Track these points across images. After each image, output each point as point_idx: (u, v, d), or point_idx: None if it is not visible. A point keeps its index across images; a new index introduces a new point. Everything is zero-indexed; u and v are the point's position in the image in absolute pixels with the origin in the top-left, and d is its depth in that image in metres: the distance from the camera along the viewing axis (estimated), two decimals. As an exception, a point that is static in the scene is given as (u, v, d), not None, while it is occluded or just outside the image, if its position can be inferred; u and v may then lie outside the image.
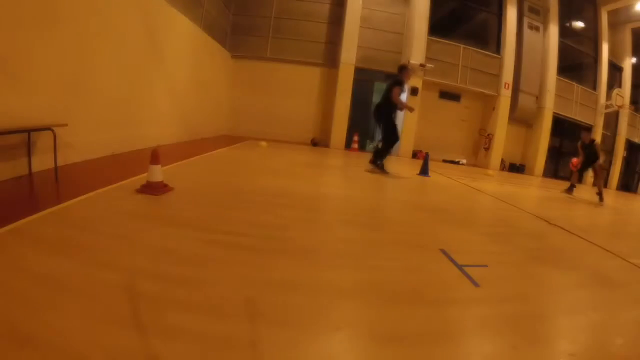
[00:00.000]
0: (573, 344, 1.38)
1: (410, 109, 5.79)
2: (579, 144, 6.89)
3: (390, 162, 6.25)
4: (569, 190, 7.08)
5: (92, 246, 1.69)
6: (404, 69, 5.61)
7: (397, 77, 5.55)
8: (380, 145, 5.81)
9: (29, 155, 2.96)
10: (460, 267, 2.02)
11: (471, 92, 11.01)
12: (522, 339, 1.35)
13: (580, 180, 7.37)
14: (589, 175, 7.43)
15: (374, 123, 6.00)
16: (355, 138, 10.34)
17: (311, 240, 2.21)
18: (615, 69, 13.07)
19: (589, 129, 6.88)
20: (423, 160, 6.76)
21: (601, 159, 6.61)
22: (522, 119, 11.51)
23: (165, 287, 1.40)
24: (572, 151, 12.60)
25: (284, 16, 10.51)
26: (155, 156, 2.75)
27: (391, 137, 5.62)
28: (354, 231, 2.51)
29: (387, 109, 5.53)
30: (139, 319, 1.18)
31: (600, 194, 6.50)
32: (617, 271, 2.40)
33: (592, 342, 1.44)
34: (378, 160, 5.69)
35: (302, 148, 9.09)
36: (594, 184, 6.72)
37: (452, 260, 2.13)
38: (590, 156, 6.66)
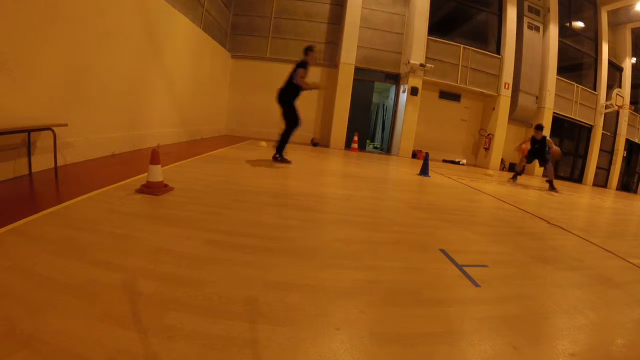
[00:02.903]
0: (573, 344, 1.38)
1: (317, 87, 5.51)
2: (530, 138, 7.34)
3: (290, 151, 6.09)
4: (514, 178, 7.65)
5: (92, 246, 1.69)
6: (309, 50, 5.47)
7: (302, 59, 5.44)
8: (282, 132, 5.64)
9: (29, 155, 2.96)
10: (460, 267, 2.02)
11: (471, 92, 11.01)
12: (522, 339, 1.35)
13: (524, 169, 7.95)
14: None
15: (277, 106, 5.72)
16: (355, 138, 10.35)
17: (311, 240, 2.21)
18: (615, 69, 13.07)
19: (540, 127, 7.25)
20: (423, 160, 6.76)
21: (553, 151, 7.10)
22: (522, 119, 11.51)
23: (165, 287, 1.40)
24: (572, 151, 12.68)
25: (284, 16, 10.51)
26: (155, 156, 2.75)
27: (294, 122, 5.54)
28: (354, 231, 2.51)
29: (290, 92, 5.43)
30: (139, 319, 1.18)
31: (550, 182, 6.94)
32: (617, 271, 2.40)
33: (592, 342, 1.44)
34: (280, 151, 5.59)
35: (302, 148, 9.10)
36: (544, 174, 7.36)
37: (452, 260, 2.13)
38: (539, 151, 7.12)
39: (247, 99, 10.58)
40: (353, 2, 9.85)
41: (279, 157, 5.57)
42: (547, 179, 7.18)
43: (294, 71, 5.29)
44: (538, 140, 7.14)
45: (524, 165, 7.77)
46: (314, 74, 10.60)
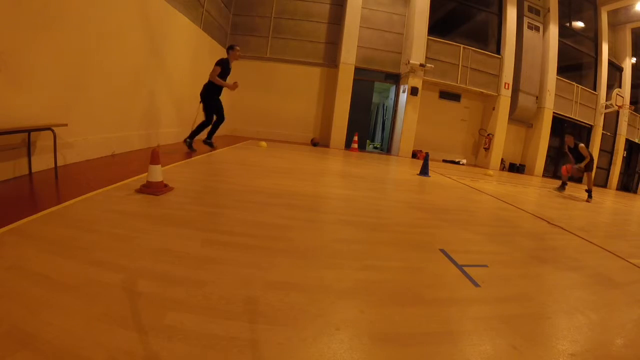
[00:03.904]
0: (573, 344, 1.38)
1: (232, 87, 5.69)
2: (565, 148, 7.02)
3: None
4: (561, 187, 7.26)
5: (92, 246, 1.69)
6: (230, 49, 5.66)
7: (223, 57, 5.59)
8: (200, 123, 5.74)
9: (29, 155, 2.96)
10: (460, 267, 2.02)
11: (471, 92, 11.00)
12: (522, 339, 1.35)
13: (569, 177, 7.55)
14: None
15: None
16: (355, 138, 10.35)
17: (311, 240, 2.21)
18: (615, 69, 13.07)
19: (571, 133, 6.98)
20: (423, 161, 6.76)
21: (583, 163, 6.67)
22: (522, 119, 11.51)
23: (165, 287, 1.40)
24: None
25: (284, 16, 10.50)
26: (155, 156, 2.75)
27: (208, 119, 5.63)
28: (354, 231, 2.51)
29: (208, 88, 5.55)
30: (139, 318, 1.18)
31: (589, 191, 6.61)
32: (617, 271, 2.40)
33: (592, 342, 1.44)
34: (191, 138, 5.62)
35: (303, 148, 9.10)
36: (583, 181, 6.90)
37: (452, 260, 2.13)
38: (580, 157, 6.74)
39: (247, 99, 10.56)
40: (353, 2, 9.84)
41: (188, 142, 5.62)
42: (586, 188, 6.87)
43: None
44: (572, 148, 6.83)
45: (568, 177, 7.34)
46: (313, 75, 10.65)
